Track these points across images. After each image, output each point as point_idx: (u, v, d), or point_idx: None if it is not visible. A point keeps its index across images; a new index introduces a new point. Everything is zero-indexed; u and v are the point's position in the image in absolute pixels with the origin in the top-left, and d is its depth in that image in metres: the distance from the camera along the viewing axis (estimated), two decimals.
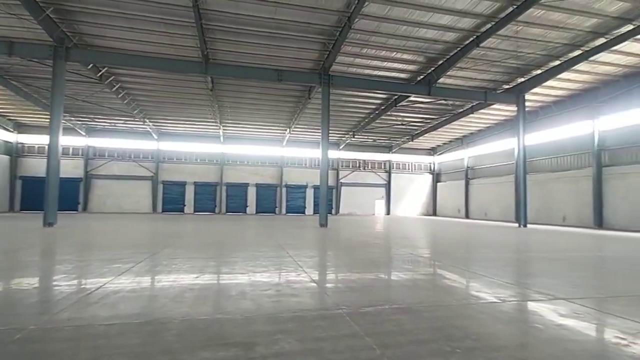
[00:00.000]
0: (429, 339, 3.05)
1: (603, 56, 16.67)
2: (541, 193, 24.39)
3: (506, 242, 12.05)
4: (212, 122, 28.43)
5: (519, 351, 2.94)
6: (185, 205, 32.68)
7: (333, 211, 35.65)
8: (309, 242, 10.98)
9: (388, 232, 15.89)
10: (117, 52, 16.43)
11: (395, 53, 17.07)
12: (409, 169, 38.68)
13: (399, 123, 28.25)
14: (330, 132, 18.65)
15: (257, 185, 34.06)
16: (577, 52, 16.59)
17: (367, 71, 18.99)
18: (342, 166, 36.53)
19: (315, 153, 34.22)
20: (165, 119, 28.13)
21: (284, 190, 34.66)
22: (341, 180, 36.27)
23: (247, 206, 33.71)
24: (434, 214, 38.18)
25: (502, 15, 13.89)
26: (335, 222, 21.48)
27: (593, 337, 3.34)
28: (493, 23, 14.40)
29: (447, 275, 5.98)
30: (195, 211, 32.55)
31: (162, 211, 31.94)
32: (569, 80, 19.85)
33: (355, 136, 31.81)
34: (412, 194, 38.35)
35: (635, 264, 7.69)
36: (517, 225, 20.84)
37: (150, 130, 30.23)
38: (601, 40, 15.47)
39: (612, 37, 15.06)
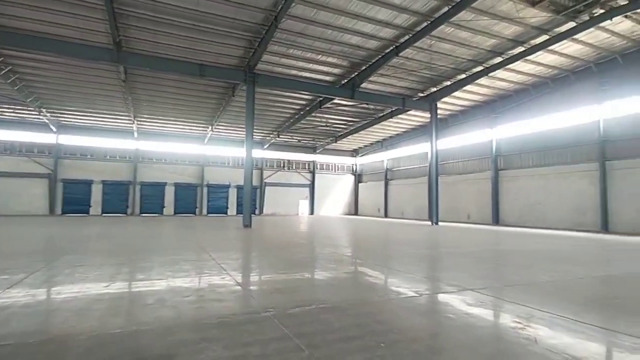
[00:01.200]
0: (355, 336, 3.13)
1: (499, 73, 19.03)
2: (450, 193, 26.94)
3: (420, 240, 13.05)
4: (125, 115, 25.96)
5: (435, 340, 3.18)
6: (91, 206, 29.26)
7: (257, 211, 35.10)
8: (232, 244, 10.62)
9: (312, 232, 16.13)
10: (9, 31, 14.07)
11: (321, 56, 17.41)
12: (332, 169, 39.80)
13: (324, 124, 28.92)
14: (255, 131, 18.33)
15: (176, 185, 32.02)
16: (479, 68, 18.68)
17: (293, 72, 19.05)
18: (266, 166, 36.18)
19: (239, 152, 33.35)
20: (67, 109, 24.88)
21: (205, 190, 33.12)
22: (265, 180, 35.90)
23: (164, 207, 31.46)
24: (356, 213, 39.86)
25: (418, 29, 15.03)
26: (259, 223, 21.16)
27: (495, 322, 3.76)
28: (410, 35, 15.51)
29: (369, 273, 6.24)
30: (103, 212, 29.35)
31: (63, 213, 28.19)
32: (472, 92, 22.28)
33: (280, 136, 31.75)
34: (335, 194, 39.53)
35: (525, 256, 8.88)
36: (429, 223, 22.74)
37: (48, 121, 26.48)
38: (498, 59, 17.63)
39: (507, 57, 17.27)
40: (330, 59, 17.83)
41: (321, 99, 22.81)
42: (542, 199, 20.62)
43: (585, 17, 13.89)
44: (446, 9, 13.56)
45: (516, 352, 2.85)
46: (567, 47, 16.42)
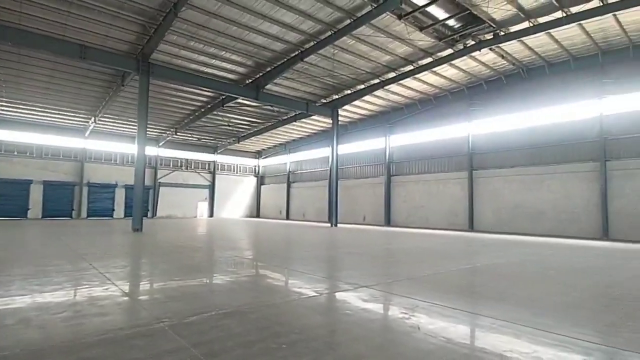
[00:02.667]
0: (256, 340, 3.08)
1: (393, 87, 20.97)
2: (349, 196, 28.58)
3: (321, 241, 13.55)
4: None
5: (333, 336, 3.32)
6: None
7: (149, 214, 32.15)
8: (119, 250, 9.51)
9: (211, 234, 15.43)
10: None
11: (224, 52, 16.83)
12: (234, 170, 38.71)
13: (226, 124, 27.99)
14: (149, 126, 16.77)
15: (46, 183, 27.34)
16: (376, 80, 20.30)
17: (193, 66, 18.01)
18: (161, 165, 33.42)
19: (129, 148, 30.14)
20: None
21: (85, 189, 29.01)
22: (160, 180, 33.13)
23: (28, 209, 26.57)
24: (257, 215, 39.46)
25: (323, 37, 15.65)
26: (151, 226, 19.40)
27: (386, 315, 4.10)
28: (315, 42, 16.05)
29: (271, 275, 6.23)
30: None
31: None
32: (370, 102, 24.08)
33: (178, 133, 29.68)
34: (236, 196, 38.52)
35: (410, 253, 9.90)
36: (329, 225, 23.76)
37: None
38: (392, 74, 19.42)
39: (399, 73, 19.12)
40: (234, 57, 17.36)
41: (224, 97, 22.04)
42: (425, 203, 23.29)
43: (460, 46, 16.22)
44: (348, 21, 14.40)
45: (402, 341, 3.15)
46: (446, 70, 18.93)
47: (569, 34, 15.07)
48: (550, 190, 17.82)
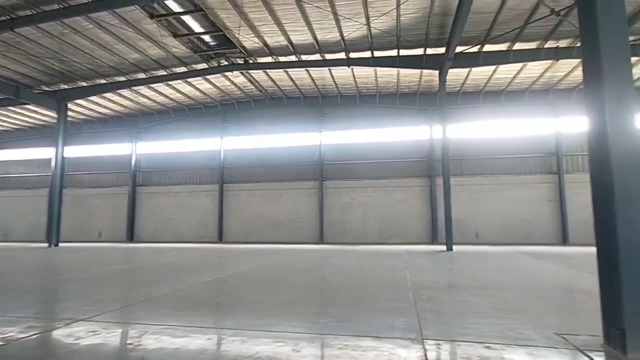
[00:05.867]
0: None
1: (143, 90, 19.18)
2: (80, 209, 23.63)
3: (29, 266, 10.39)
4: None
5: None
6: None
7: None
8: None
9: None
10: None
11: None
12: None
13: None
14: None
15: None
16: (122, 78, 17.96)
17: None
18: None
19: None
20: None
21: None
22: None
23: None
24: None
25: (47, 8, 12.45)
26: None
27: (106, 350, 3.42)
28: (35, 12, 12.54)
29: None
30: None
31: None
32: (115, 102, 21.04)
33: None
34: None
35: (152, 270, 9.04)
36: (47, 245, 18.70)
37: None
38: (142, 75, 17.73)
39: (151, 76, 17.69)
40: None
41: None
42: (174, 215, 22.32)
43: (215, 64, 16.79)
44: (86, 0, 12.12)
45: None
46: (202, 83, 19.12)
47: (301, 75, 18.44)
48: (286, 203, 20.94)
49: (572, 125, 18.56)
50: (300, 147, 21.21)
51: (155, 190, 22.96)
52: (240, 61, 16.64)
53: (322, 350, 3.16)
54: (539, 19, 12.12)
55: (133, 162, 23.25)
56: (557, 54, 14.22)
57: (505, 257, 11.62)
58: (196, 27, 13.81)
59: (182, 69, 17.29)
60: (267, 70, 17.33)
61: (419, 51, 15.06)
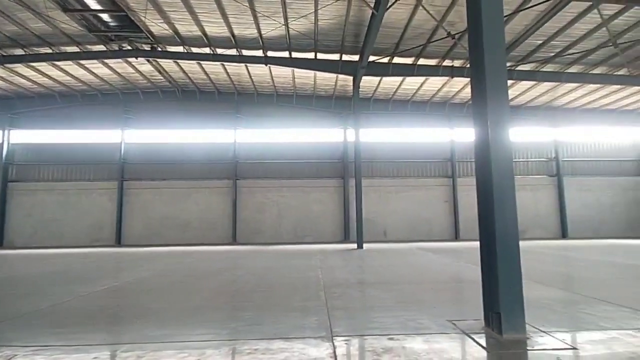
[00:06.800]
0: None
1: (21, 68, 16.34)
2: None
3: None
4: None
5: None
6: None
7: None
8: None
9: None
10: None
11: None
12: None
13: None
14: None
15: None
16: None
17: None
18: None
19: None
20: None
21: None
22: None
23: None
24: None
25: None
26: None
27: None
28: None
29: None
30: None
31: None
32: None
33: None
34: None
35: (20, 284, 7.73)
36: None
37: None
38: (20, 51, 15.08)
39: (31, 53, 15.14)
40: None
41: None
42: (60, 216, 19.50)
43: (116, 47, 15.09)
44: None
45: None
46: (98, 67, 17.02)
47: (216, 69, 17.62)
48: (196, 203, 19.79)
49: (463, 135, 21.08)
50: (213, 144, 20.25)
51: (33, 187, 19.65)
52: (146, 47, 15.21)
53: (231, 357, 3.02)
54: (439, 39, 13.49)
55: (4, 153, 19.60)
56: (452, 72, 16.00)
57: (408, 253, 12.64)
58: (92, 4, 12.21)
59: (74, 49, 15.13)
60: (179, 61, 16.17)
61: (335, 56, 15.56)
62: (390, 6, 11.29)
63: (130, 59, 15.96)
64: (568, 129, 21.25)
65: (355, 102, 15.79)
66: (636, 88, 17.27)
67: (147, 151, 20.13)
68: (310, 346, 3.25)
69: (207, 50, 15.28)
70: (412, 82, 18.48)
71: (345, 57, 15.60)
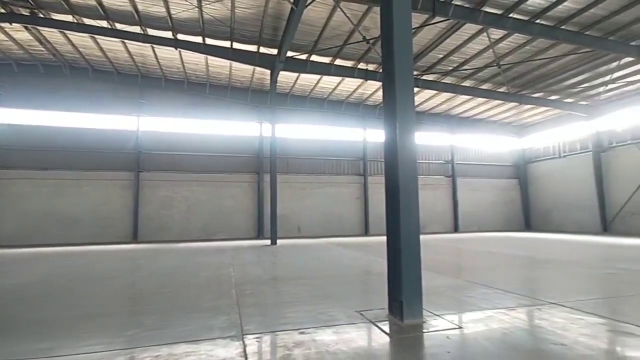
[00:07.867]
0: None
1: None
2: None
3: None
4: None
5: None
6: None
7: None
8: None
9: None
10: None
11: None
12: None
13: None
14: None
15: None
16: None
17: None
18: None
19: None
20: None
21: None
22: None
23: None
24: None
25: None
26: None
27: None
28: None
29: None
30: None
31: None
32: None
33: None
34: None
35: None
36: None
37: None
38: None
39: None
40: None
41: None
42: None
43: None
44: None
45: None
46: None
47: (114, 47, 15.71)
48: (89, 197, 17.51)
49: (375, 135, 22.38)
50: (111, 132, 18.06)
51: None
52: (24, 12, 12.85)
53: None
54: (355, 42, 14.04)
55: None
56: (366, 75, 16.81)
57: (321, 248, 12.98)
58: None
59: None
60: (66, 32, 13.97)
61: (252, 48, 15.10)
62: (310, 3, 11.38)
63: (3, 25, 13.37)
64: (462, 135, 24.07)
65: (273, 96, 15.60)
66: (513, 104, 20.30)
67: (25, 134, 17.11)
68: (218, 347, 3.10)
69: (104, 23, 13.54)
70: (329, 82, 18.95)
71: (263, 50, 15.28)
